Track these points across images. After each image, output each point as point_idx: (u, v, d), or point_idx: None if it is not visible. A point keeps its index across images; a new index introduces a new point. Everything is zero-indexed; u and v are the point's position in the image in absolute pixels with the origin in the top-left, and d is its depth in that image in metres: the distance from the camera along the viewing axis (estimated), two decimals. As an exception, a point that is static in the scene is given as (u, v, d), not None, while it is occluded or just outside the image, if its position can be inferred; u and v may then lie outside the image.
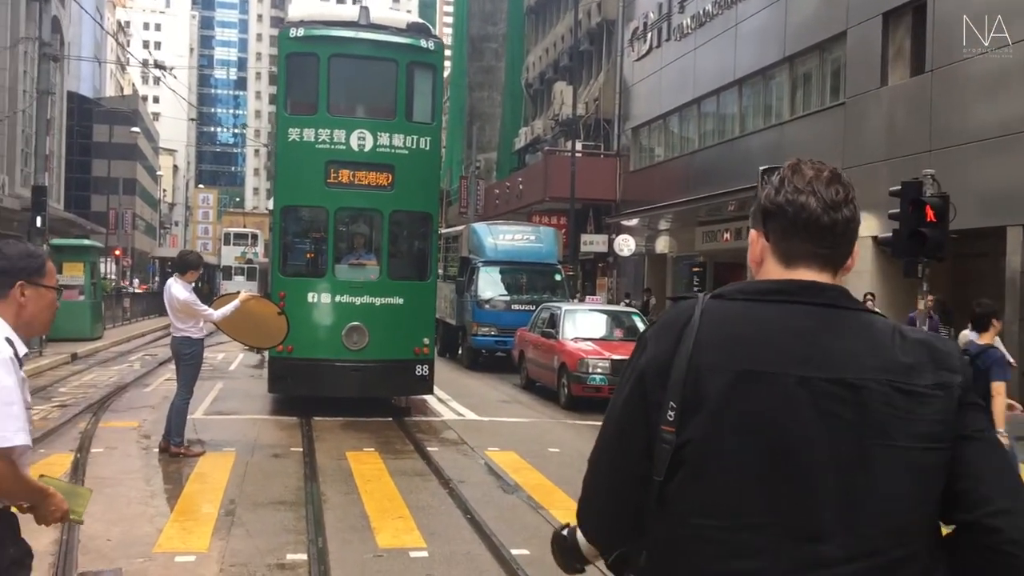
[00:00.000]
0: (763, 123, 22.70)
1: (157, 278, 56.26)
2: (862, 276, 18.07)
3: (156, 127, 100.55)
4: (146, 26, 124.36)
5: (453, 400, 13.54)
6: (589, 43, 35.11)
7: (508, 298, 18.92)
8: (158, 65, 24.18)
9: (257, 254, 52.67)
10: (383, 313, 11.66)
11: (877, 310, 2.22)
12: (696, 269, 25.93)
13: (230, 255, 52.65)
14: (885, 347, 1.44)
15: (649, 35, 29.04)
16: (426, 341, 11.97)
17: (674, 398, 1.44)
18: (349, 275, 11.73)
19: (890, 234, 12.39)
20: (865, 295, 15.83)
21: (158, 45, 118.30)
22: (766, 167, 2.00)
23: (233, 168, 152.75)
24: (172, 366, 18.40)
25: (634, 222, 28.90)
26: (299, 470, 8.53)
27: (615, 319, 15.62)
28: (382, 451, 9.52)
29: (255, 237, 55.20)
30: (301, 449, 9.52)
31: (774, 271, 1.55)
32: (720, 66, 24.30)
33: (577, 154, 30.46)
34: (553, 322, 14.69)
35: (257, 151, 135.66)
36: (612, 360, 12.56)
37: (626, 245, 28.89)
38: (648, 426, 1.47)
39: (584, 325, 14.51)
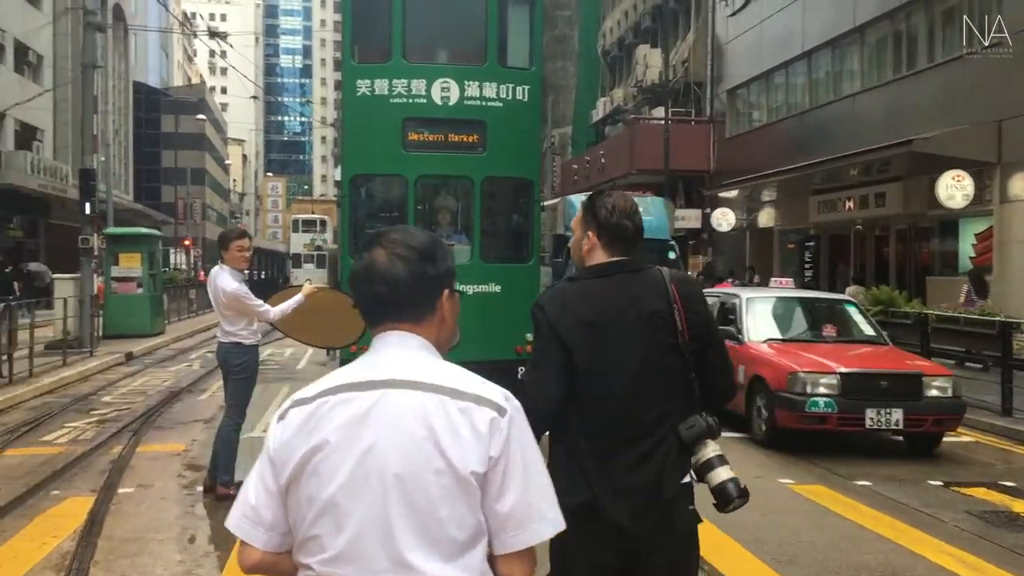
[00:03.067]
0: (892, 74, 19.79)
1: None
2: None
3: (224, 117, 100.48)
4: (212, 17, 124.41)
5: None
6: (675, 1, 32.31)
7: None
8: (215, 34, 22.32)
9: (326, 240, 51.23)
10: (477, 304, 9.44)
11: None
12: (808, 244, 23.14)
13: (299, 242, 51.29)
14: (659, 287, 2.64)
15: (746, -15, 26.20)
16: (530, 337, 9.72)
17: (571, 342, 2.53)
18: (434, 258, 9.54)
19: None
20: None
21: (224, 36, 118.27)
22: (596, 191, 2.81)
23: (301, 156, 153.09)
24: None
25: (733, 193, 26.19)
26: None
27: (819, 311, 10.88)
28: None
29: (324, 223, 53.73)
30: (384, 483, 7.38)
31: (601, 257, 2.69)
32: (835, 13, 21.44)
33: (664, 121, 27.90)
34: (728, 315, 10.38)
35: (324, 138, 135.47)
36: (842, 375, 8.61)
37: (724, 219, 26.27)
38: (565, 360, 2.54)
39: (773, 320, 10.21)
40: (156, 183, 66.86)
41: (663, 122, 28.02)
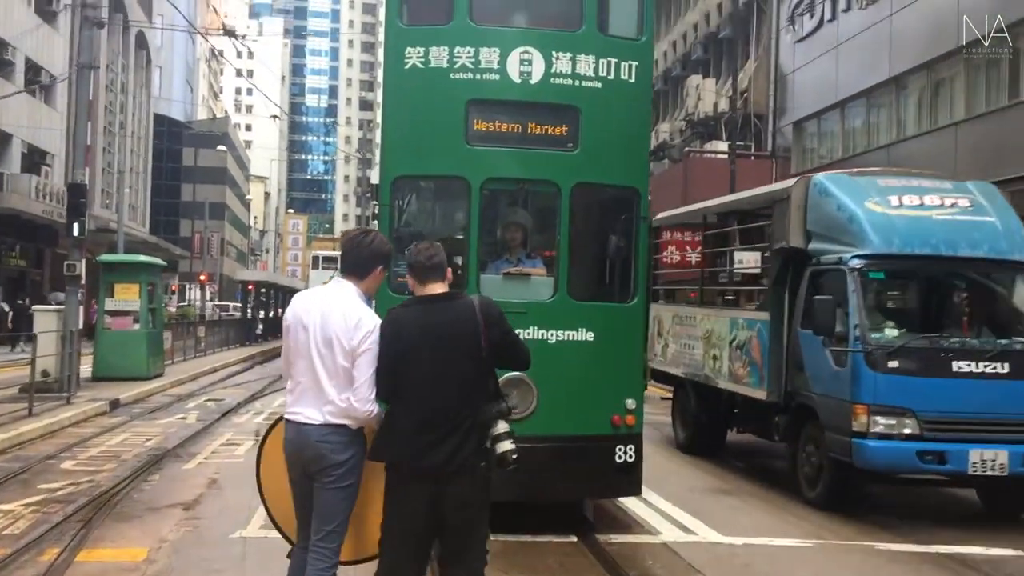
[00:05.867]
0: (1008, 99, 17.19)
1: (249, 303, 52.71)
2: None
3: (248, 155, 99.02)
4: (239, 54, 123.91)
5: (666, 499, 8.51)
6: (731, 29, 30.01)
7: (947, 345, 7.87)
8: (229, 33, 20.06)
9: (346, 279, 48.83)
10: (562, 358, 6.81)
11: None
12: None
13: (319, 279, 48.70)
14: (469, 313, 3.79)
15: (819, 7, 23.79)
16: (631, 404, 7.05)
17: (398, 358, 3.77)
18: (504, 292, 6.77)
19: None
20: None
21: (251, 73, 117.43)
22: (414, 246, 3.93)
23: (323, 196, 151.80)
24: (237, 420, 13.81)
25: (803, 235, 23.52)
26: None
27: None
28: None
29: (345, 261, 51.38)
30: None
31: (419, 290, 3.86)
32: (934, 28, 18.93)
33: (724, 155, 25.48)
34: None
35: (347, 177, 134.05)
36: None
37: (794, 263, 23.56)
38: (388, 372, 3.80)
39: None
40: (175, 216, 65.08)
41: (719, 156, 25.59)
